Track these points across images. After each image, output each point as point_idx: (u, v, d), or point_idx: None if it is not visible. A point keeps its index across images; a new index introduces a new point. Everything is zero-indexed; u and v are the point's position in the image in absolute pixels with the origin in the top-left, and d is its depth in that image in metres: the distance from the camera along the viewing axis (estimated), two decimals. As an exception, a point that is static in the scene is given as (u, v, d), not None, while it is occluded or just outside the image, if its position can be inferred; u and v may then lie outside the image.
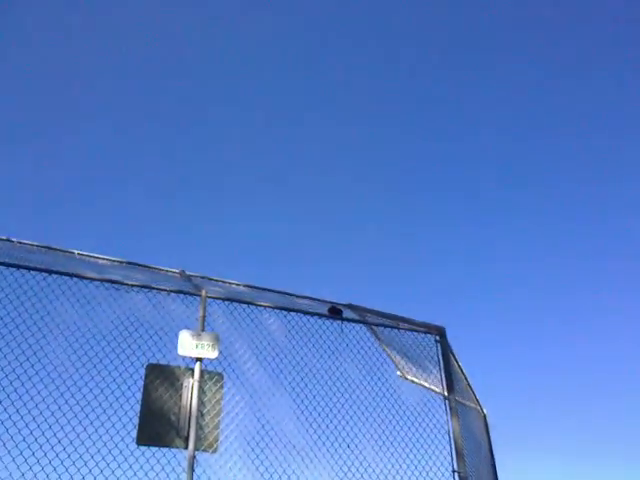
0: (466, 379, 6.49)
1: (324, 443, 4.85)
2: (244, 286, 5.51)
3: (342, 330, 5.40)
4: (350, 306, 5.81)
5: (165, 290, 4.88)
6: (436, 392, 6.53)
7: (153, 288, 4.85)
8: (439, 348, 5.65)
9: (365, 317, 5.87)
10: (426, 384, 6.56)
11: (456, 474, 5.05)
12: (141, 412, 4.41)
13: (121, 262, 5.24)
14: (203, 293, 4.95)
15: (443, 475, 5.07)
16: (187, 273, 5.38)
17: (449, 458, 5.13)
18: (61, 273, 4.58)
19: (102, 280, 4.71)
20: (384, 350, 6.21)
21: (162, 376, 4.57)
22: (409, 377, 6.62)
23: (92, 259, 5.13)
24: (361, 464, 4.88)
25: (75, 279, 4.63)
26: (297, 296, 5.51)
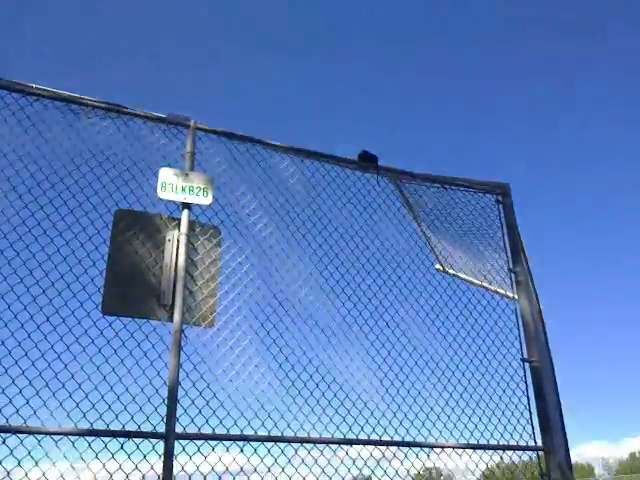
0: (526, 262, 5.24)
1: (355, 320, 3.67)
2: (250, 140, 4.09)
3: (378, 182, 4.13)
4: (385, 169, 4.48)
5: (140, 116, 3.60)
6: (488, 289, 5.42)
7: (124, 113, 3.58)
8: (502, 210, 4.39)
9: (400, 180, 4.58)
10: (476, 281, 5.40)
11: (527, 364, 3.88)
12: (108, 271, 3.21)
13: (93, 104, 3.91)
14: (192, 124, 3.68)
15: (510, 364, 3.91)
16: (176, 116, 4.05)
17: (517, 344, 3.95)
18: (-7, 85, 3.31)
19: (54, 97, 3.44)
20: (422, 233, 4.95)
21: (137, 226, 3.36)
22: (451, 271, 5.41)
23: (54, 95, 3.82)
24: (405, 348, 3.71)
25: (15, 95, 3.37)
26: (321, 154, 4.12)
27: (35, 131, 3.29)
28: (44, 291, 3.03)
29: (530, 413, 3.77)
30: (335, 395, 3.44)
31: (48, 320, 2.99)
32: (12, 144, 3.22)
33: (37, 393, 2.86)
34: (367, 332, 3.66)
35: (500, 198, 4.41)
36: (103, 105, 3.54)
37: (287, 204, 3.76)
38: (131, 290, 3.23)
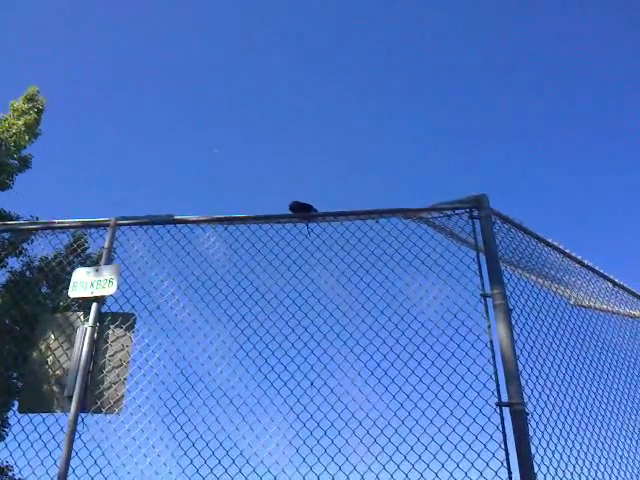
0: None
1: (279, 392, 3.26)
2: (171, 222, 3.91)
3: (309, 232, 3.75)
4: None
5: (66, 227, 3.93)
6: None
7: (54, 228, 3.95)
8: (477, 226, 3.59)
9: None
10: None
11: (505, 408, 2.94)
12: (27, 374, 3.46)
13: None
14: (111, 222, 3.88)
15: (482, 411, 3.01)
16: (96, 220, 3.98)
17: (491, 385, 3.04)
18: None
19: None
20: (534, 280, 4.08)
21: (53, 327, 3.58)
22: (586, 302, 4.51)
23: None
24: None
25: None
26: (243, 218, 3.77)
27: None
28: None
29: (510, 472, 2.80)
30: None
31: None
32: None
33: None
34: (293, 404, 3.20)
35: (476, 213, 3.63)
36: (39, 225, 3.97)
37: (203, 275, 3.64)
38: (44, 387, 3.40)
